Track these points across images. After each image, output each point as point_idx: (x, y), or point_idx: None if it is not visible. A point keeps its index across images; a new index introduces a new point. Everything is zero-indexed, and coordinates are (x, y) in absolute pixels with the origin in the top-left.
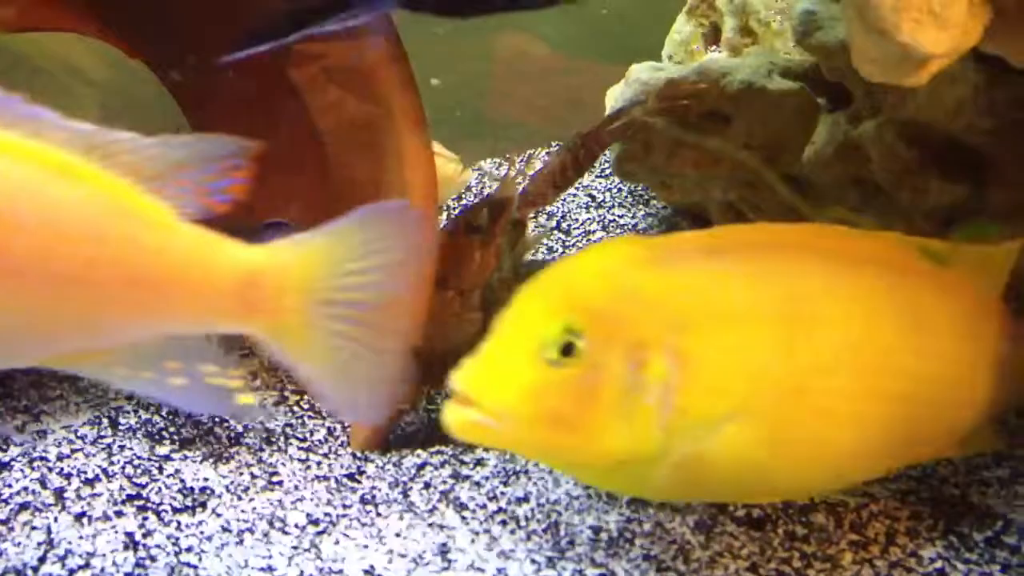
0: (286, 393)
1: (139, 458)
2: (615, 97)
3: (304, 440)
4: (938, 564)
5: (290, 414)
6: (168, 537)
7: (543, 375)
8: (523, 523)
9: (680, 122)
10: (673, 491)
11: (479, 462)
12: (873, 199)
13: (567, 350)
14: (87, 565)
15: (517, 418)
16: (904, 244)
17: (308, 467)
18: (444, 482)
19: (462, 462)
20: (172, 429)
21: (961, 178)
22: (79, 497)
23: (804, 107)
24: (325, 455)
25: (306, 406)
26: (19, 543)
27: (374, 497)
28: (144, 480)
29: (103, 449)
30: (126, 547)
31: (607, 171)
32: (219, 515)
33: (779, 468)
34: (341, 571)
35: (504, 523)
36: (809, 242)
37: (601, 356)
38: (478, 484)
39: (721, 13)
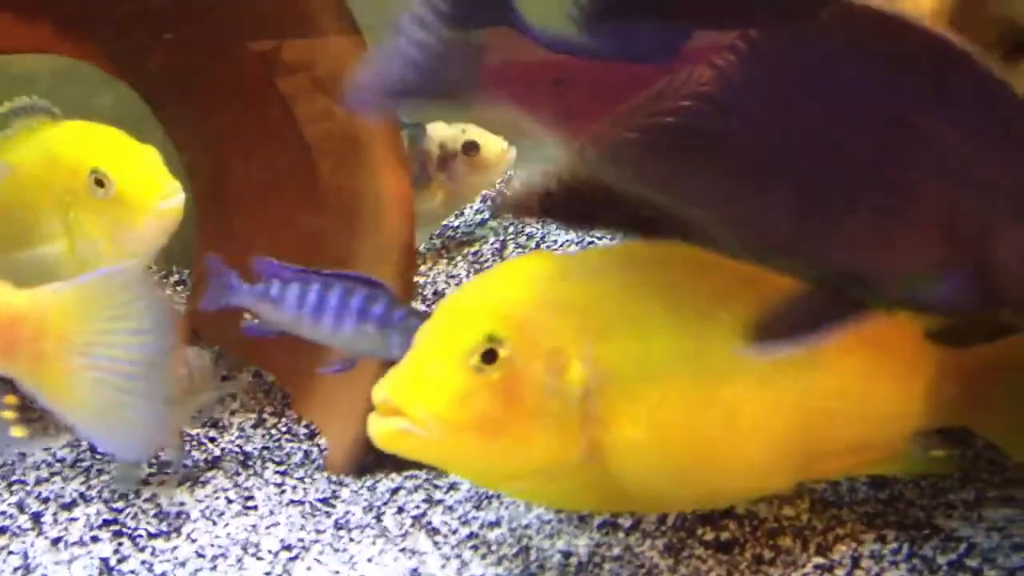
0: (264, 415)
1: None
2: None
3: (281, 463)
4: None
5: (267, 437)
6: (142, 563)
7: (468, 381)
8: (494, 548)
9: None
10: (594, 500)
11: (452, 486)
12: None
13: (490, 357)
14: None
15: (443, 425)
16: None
17: (283, 491)
18: (417, 507)
19: (435, 486)
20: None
21: None
22: (56, 522)
23: None
24: (301, 479)
25: (284, 428)
26: None
27: (348, 522)
28: (121, 505)
29: (81, 472)
30: (101, 572)
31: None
32: (194, 540)
33: (690, 476)
34: None
35: (475, 548)
36: (707, 258)
37: (523, 363)
38: (451, 508)
39: None
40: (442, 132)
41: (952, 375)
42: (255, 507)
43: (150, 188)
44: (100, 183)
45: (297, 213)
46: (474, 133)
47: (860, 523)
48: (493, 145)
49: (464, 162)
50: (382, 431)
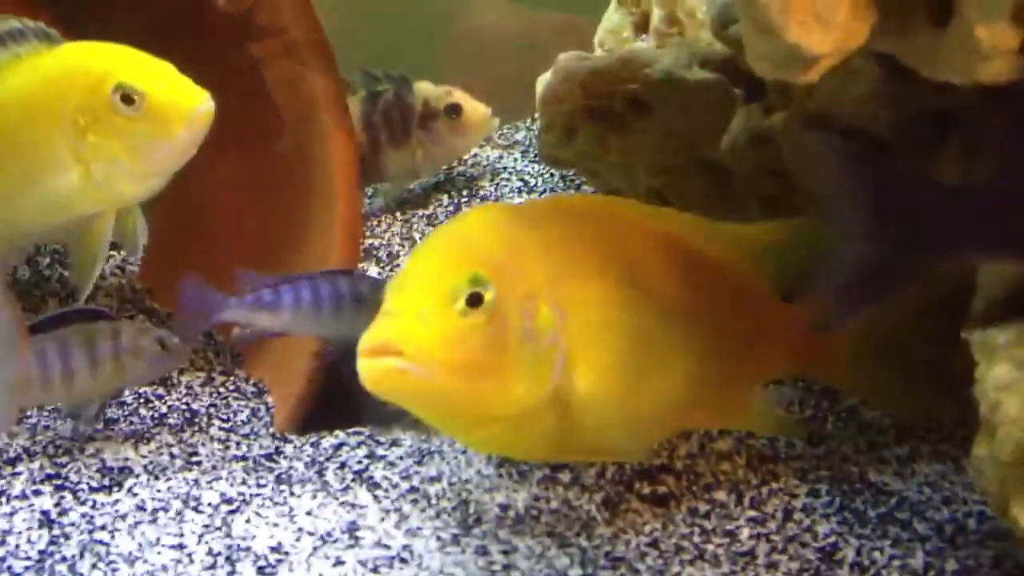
0: (213, 375)
1: (62, 439)
2: (542, 85)
3: (227, 421)
4: (832, 539)
5: (215, 395)
6: (83, 516)
7: (456, 324)
8: (434, 501)
9: (605, 110)
10: (555, 447)
11: (394, 443)
12: (790, 187)
13: (475, 300)
14: (2, 543)
15: (439, 365)
16: (693, 222)
17: (228, 447)
18: (360, 462)
19: (378, 443)
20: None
21: None
22: None
23: (721, 98)
24: (246, 436)
25: (232, 387)
26: None
27: (290, 477)
28: (64, 460)
29: (27, 429)
30: (41, 525)
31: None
32: (135, 494)
33: (639, 418)
34: (249, 548)
35: (415, 502)
36: (625, 213)
37: (503, 305)
38: (392, 464)
39: (650, 2)
40: (427, 90)
41: (795, 328)
42: (198, 463)
43: (183, 96)
44: (128, 99)
45: (248, 170)
46: (458, 96)
47: (794, 477)
48: (476, 110)
49: (445, 123)
50: (377, 370)
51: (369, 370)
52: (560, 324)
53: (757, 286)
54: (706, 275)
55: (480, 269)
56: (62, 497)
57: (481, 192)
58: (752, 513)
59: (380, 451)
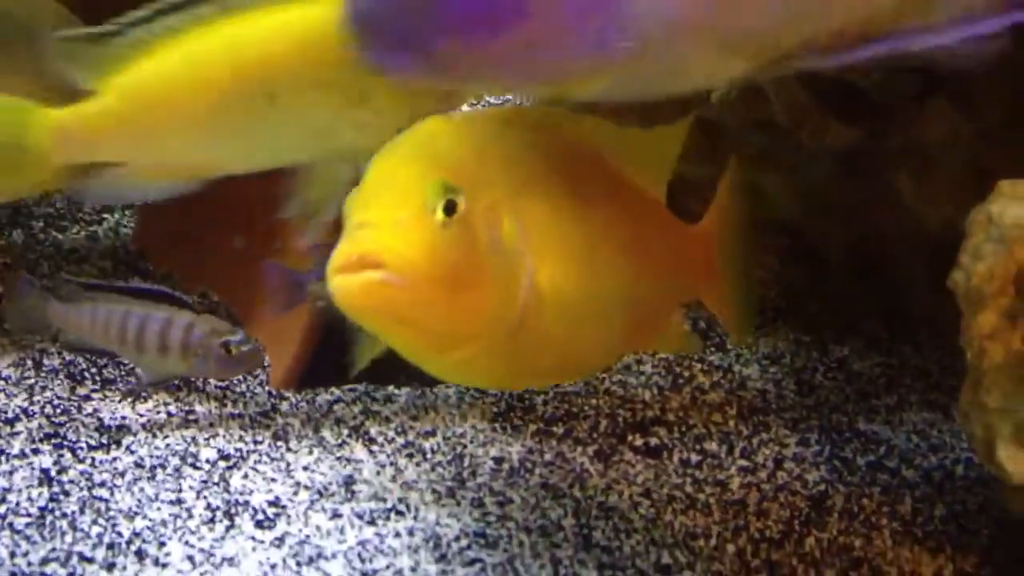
0: None
1: (59, 398)
2: None
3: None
4: (821, 487)
5: None
6: (82, 473)
7: (436, 232)
8: (429, 455)
9: None
10: (517, 369)
11: (389, 398)
12: (778, 140)
13: (451, 208)
14: (3, 500)
15: (421, 275)
16: (615, 132)
17: (224, 405)
18: (355, 418)
19: (373, 399)
20: (94, 370)
21: (856, 121)
22: None
23: None
24: (242, 394)
25: None
26: None
27: (286, 433)
28: (63, 419)
29: (25, 390)
30: (41, 483)
31: None
32: (133, 452)
33: (597, 329)
34: (247, 503)
35: (411, 455)
36: (561, 125)
37: (472, 215)
38: (387, 419)
39: None
40: None
41: (692, 248)
42: (195, 420)
43: None
44: None
45: None
46: None
47: (785, 428)
48: None
49: None
50: (357, 285)
51: (347, 287)
52: (521, 236)
53: (654, 204)
54: (633, 193)
55: (452, 176)
56: (61, 455)
57: None
58: (743, 463)
59: (375, 407)
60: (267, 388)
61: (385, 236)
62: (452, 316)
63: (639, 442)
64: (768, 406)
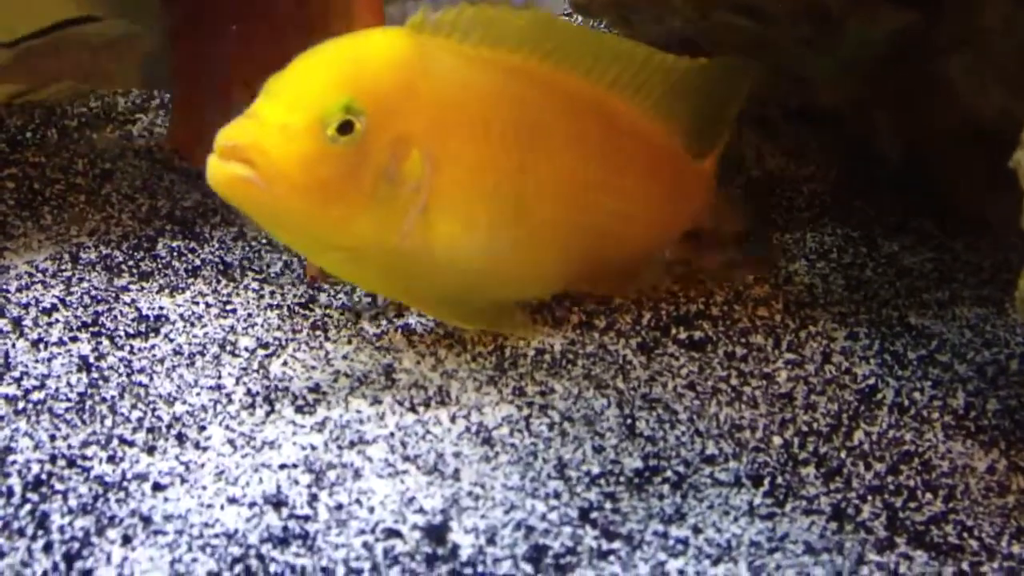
0: (244, 228)
1: (97, 289)
2: None
3: (260, 272)
4: (871, 381)
5: (248, 248)
6: (121, 360)
7: (319, 147)
8: (469, 346)
9: None
10: (399, 286)
11: None
12: (825, 29)
13: (346, 128)
14: (42, 386)
15: (286, 184)
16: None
17: (262, 296)
18: (394, 309)
19: None
20: (131, 263)
21: (910, 5)
22: (36, 325)
23: None
24: (280, 286)
25: (264, 240)
26: None
27: (325, 324)
28: (101, 309)
29: (62, 282)
30: (80, 369)
31: (567, 10)
32: (172, 340)
33: (494, 273)
34: (287, 388)
35: (451, 346)
36: (538, 70)
37: (372, 140)
38: None
39: None
40: None
41: (695, 180)
42: (233, 311)
43: None
44: None
45: (272, 35)
46: None
47: (833, 322)
48: None
49: None
50: (222, 174)
51: (215, 171)
52: (428, 175)
53: (672, 144)
54: (623, 140)
55: (360, 97)
56: (99, 343)
57: None
58: (790, 356)
59: None
60: (304, 281)
61: (267, 136)
62: (318, 225)
63: (683, 335)
64: (815, 300)
